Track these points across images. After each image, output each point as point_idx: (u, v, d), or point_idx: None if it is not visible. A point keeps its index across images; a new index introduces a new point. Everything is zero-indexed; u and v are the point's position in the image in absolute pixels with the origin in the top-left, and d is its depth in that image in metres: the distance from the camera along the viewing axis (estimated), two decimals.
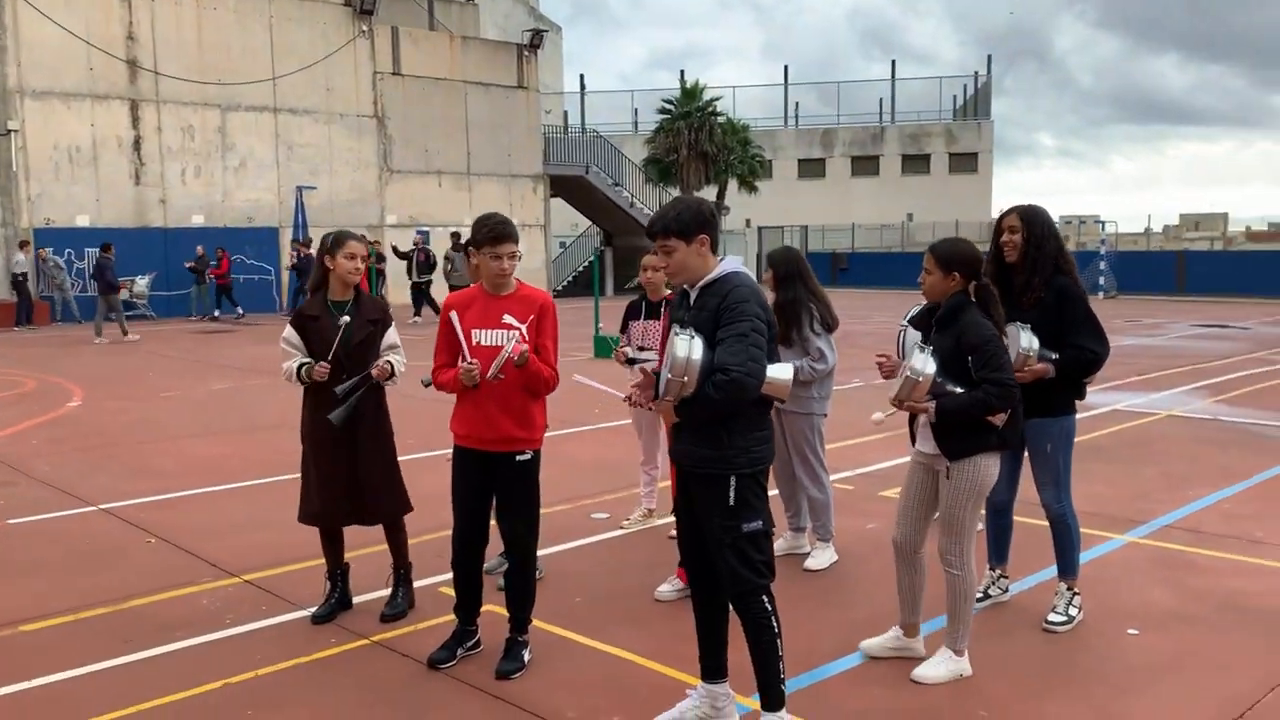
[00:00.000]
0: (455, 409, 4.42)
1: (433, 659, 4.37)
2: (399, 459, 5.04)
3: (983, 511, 4.97)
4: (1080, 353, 4.52)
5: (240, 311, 24.05)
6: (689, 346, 3.36)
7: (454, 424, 4.42)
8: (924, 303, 4.35)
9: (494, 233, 4.27)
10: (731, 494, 3.47)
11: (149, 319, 23.90)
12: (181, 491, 7.52)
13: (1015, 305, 4.55)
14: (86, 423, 10.48)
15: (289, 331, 4.86)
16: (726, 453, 3.47)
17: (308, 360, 4.77)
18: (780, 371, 3.49)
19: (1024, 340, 4.42)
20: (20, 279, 22.16)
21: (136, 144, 24.26)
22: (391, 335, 4.88)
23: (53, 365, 15.39)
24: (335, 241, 4.80)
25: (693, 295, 3.60)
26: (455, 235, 23.76)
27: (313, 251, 23.53)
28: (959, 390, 4.04)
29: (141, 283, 23.72)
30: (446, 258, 23.20)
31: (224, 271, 24.03)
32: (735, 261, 3.60)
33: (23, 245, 22.41)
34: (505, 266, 4.29)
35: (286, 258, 24.49)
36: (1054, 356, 4.49)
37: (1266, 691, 4.07)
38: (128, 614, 5.06)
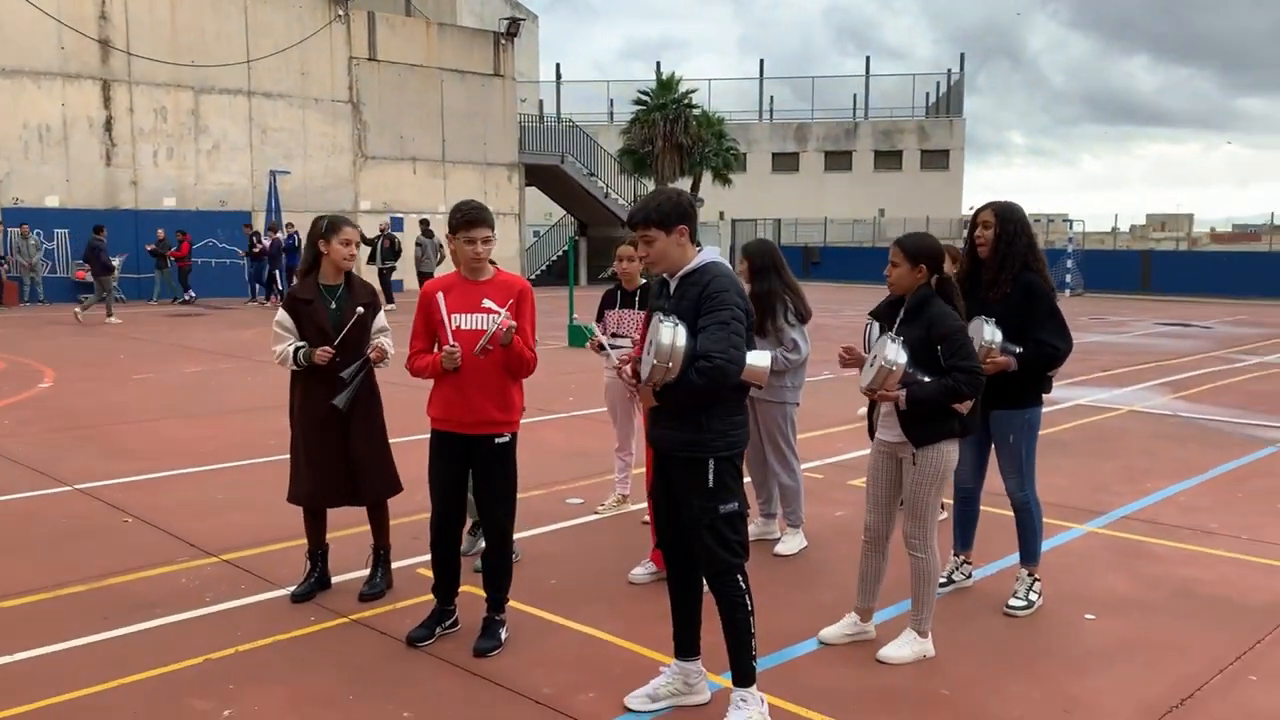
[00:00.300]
0: (433, 393, 4.49)
1: (411, 637, 4.47)
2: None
3: (949, 500, 5.14)
4: (1042, 347, 4.66)
5: (191, 295, 23.85)
6: (673, 333, 3.47)
7: (431, 408, 4.50)
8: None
9: (467, 217, 4.36)
10: (710, 476, 3.59)
11: (118, 301, 23.71)
12: (157, 473, 7.55)
13: (982, 299, 4.69)
14: (59, 404, 10.46)
15: (282, 314, 4.93)
16: (705, 436, 3.59)
17: (303, 344, 4.83)
18: (758, 359, 3.61)
19: (987, 333, 4.56)
20: None
21: (108, 124, 24.04)
22: (381, 319, 4.96)
23: (22, 346, 15.28)
24: (330, 226, 4.86)
25: (672, 284, 3.71)
26: (424, 223, 23.71)
27: (281, 236, 23.55)
28: (928, 379, 4.17)
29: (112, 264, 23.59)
30: (418, 244, 23.19)
31: (184, 254, 23.83)
32: (713, 252, 3.72)
33: None
34: (479, 251, 4.37)
35: (254, 242, 24.30)
36: (1017, 350, 4.63)
37: (1215, 673, 4.24)
38: (107, 591, 5.12)
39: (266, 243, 23.88)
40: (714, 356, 3.47)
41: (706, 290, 3.57)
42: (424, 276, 21.21)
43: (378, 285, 22.58)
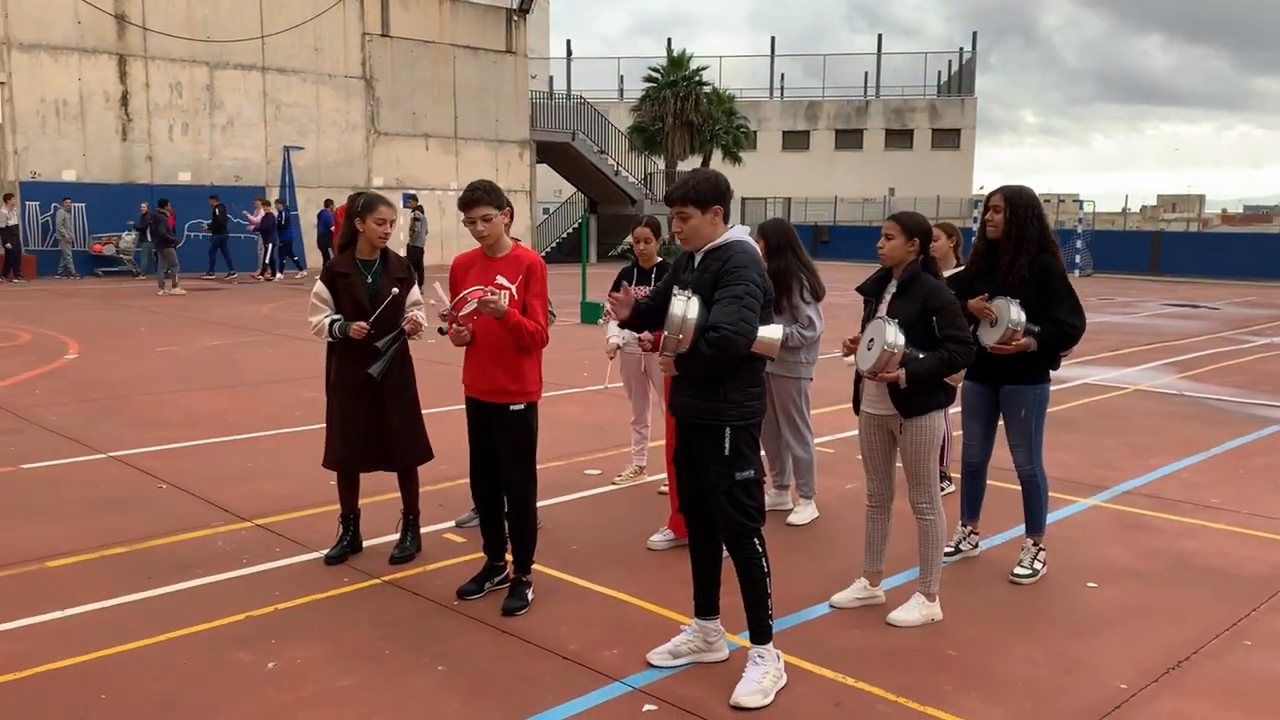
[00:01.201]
0: (464, 361, 4.77)
1: (461, 590, 4.76)
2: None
3: (955, 475, 5.32)
4: (1059, 326, 4.84)
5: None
6: (685, 306, 3.68)
7: (463, 375, 4.78)
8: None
9: (465, 198, 4.60)
10: (727, 444, 3.79)
11: (134, 275, 24.00)
12: (186, 442, 7.78)
13: (1001, 281, 4.87)
14: (86, 375, 10.69)
15: (319, 287, 5.12)
16: (722, 405, 3.79)
17: (338, 317, 5.02)
18: (770, 331, 3.80)
19: (1013, 314, 4.74)
20: (9, 230, 22.17)
21: (124, 99, 24.21)
22: (415, 293, 5.13)
23: (45, 318, 15.53)
24: (366, 205, 5.05)
25: (697, 259, 3.90)
26: (413, 198, 23.46)
27: (274, 210, 23.69)
28: (923, 355, 4.37)
29: (127, 239, 23.87)
30: (416, 218, 22.89)
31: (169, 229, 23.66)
32: (742, 231, 3.91)
33: (7, 198, 22.37)
34: (480, 230, 4.58)
35: (254, 217, 24.40)
36: (1035, 329, 4.81)
37: (1210, 639, 4.43)
38: (147, 553, 5.34)
39: (257, 217, 23.75)
40: (722, 328, 3.66)
41: (726, 265, 3.76)
42: (415, 251, 21.19)
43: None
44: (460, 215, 4.68)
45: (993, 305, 4.84)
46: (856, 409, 4.75)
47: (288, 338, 13.94)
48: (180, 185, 24.88)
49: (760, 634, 3.91)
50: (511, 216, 4.74)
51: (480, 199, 4.55)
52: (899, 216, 4.57)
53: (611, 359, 6.59)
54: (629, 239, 6.49)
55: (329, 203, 23.85)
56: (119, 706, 3.73)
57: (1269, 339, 15.88)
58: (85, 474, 6.86)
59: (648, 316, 4.09)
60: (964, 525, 5.43)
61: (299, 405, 9.18)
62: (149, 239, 23.49)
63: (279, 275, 24.15)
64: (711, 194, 3.83)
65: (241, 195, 25.51)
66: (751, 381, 3.85)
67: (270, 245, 23.89)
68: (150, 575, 5.00)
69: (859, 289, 4.73)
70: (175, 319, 16.01)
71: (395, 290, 5.04)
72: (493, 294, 4.41)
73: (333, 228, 22.40)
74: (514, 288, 4.56)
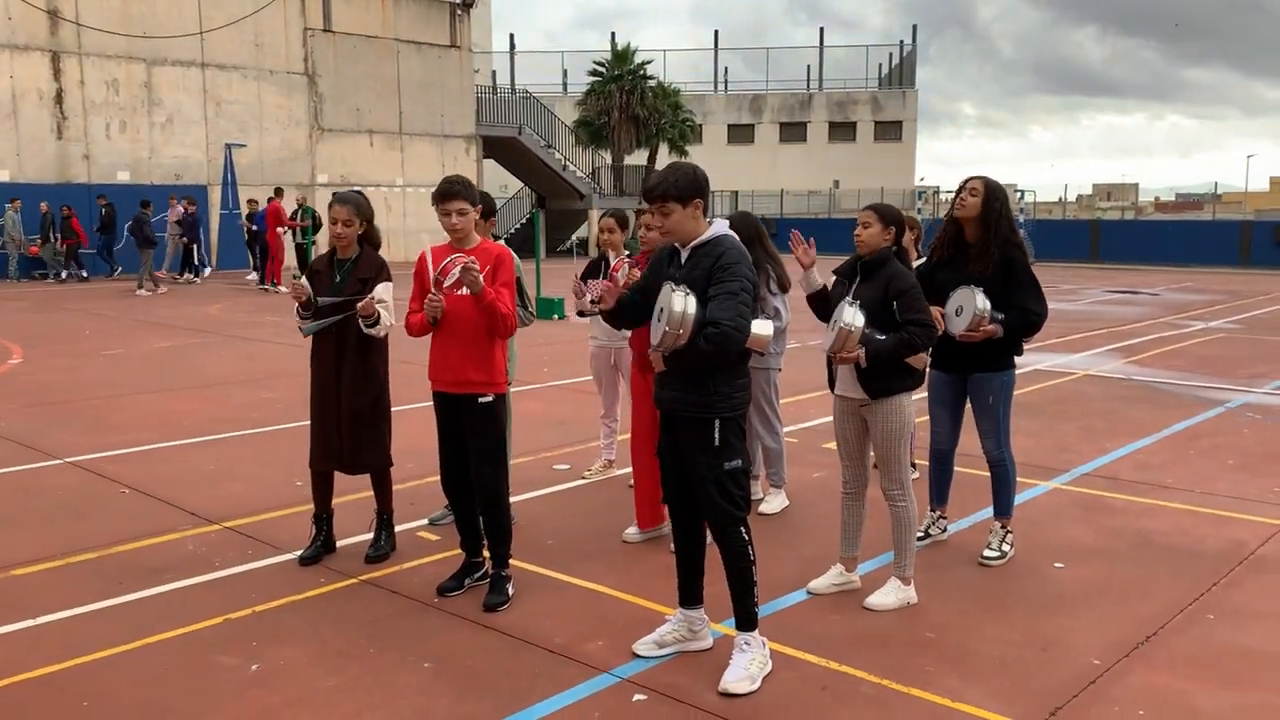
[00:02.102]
0: (429, 355, 4.74)
1: (441, 587, 4.74)
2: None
3: (921, 461, 5.41)
4: (1025, 314, 4.95)
5: (75, 274, 23.05)
6: (684, 302, 3.69)
7: (429, 370, 4.76)
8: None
9: (440, 191, 4.62)
10: (716, 435, 3.83)
11: (82, 278, 23.46)
12: (144, 446, 7.65)
13: (967, 269, 4.96)
14: (33, 380, 10.46)
15: (304, 281, 5.11)
16: (711, 398, 3.82)
17: (298, 275, 5.05)
18: (761, 327, 3.85)
19: (979, 302, 4.83)
20: None
21: (58, 97, 23.66)
22: (380, 291, 5.06)
23: None
24: (330, 204, 5.07)
25: (683, 255, 3.93)
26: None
27: (180, 208, 23.12)
28: (883, 337, 4.45)
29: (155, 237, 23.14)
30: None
31: (74, 232, 22.87)
32: (723, 225, 3.94)
33: None
34: (454, 222, 4.60)
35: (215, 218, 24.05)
36: (1000, 317, 4.92)
37: (1175, 614, 4.57)
38: (115, 558, 5.26)
39: (172, 216, 23.07)
40: (722, 323, 3.70)
41: (719, 262, 3.78)
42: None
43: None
44: (409, 210, 4.66)
45: (957, 293, 4.94)
46: (832, 385, 4.82)
47: (238, 339, 13.75)
48: (119, 184, 24.35)
49: (746, 621, 3.96)
50: (485, 217, 4.76)
51: (458, 192, 4.57)
52: (875, 206, 4.70)
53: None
54: (575, 236, 6.52)
55: (252, 202, 23.15)
56: (101, 713, 3.67)
57: (1207, 323, 16.32)
58: (44, 480, 6.72)
59: (630, 312, 4.11)
60: (933, 510, 5.53)
61: (255, 407, 9.08)
62: (50, 239, 22.78)
63: (183, 277, 23.24)
64: (692, 188, 3.86)
65: (183, 193, 25.05)
66: (739, 374, 3.89)
67: (194, 245, 23.18)
68: (121, 581, 4.92)
69: (835, 271, 4.81)
70: (121, 321, 15.69)
71: (362, 283, 5.01)
72: (469, 261, 4.42)
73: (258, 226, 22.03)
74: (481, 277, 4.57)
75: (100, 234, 23.28)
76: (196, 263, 23.42)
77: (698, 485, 3.91)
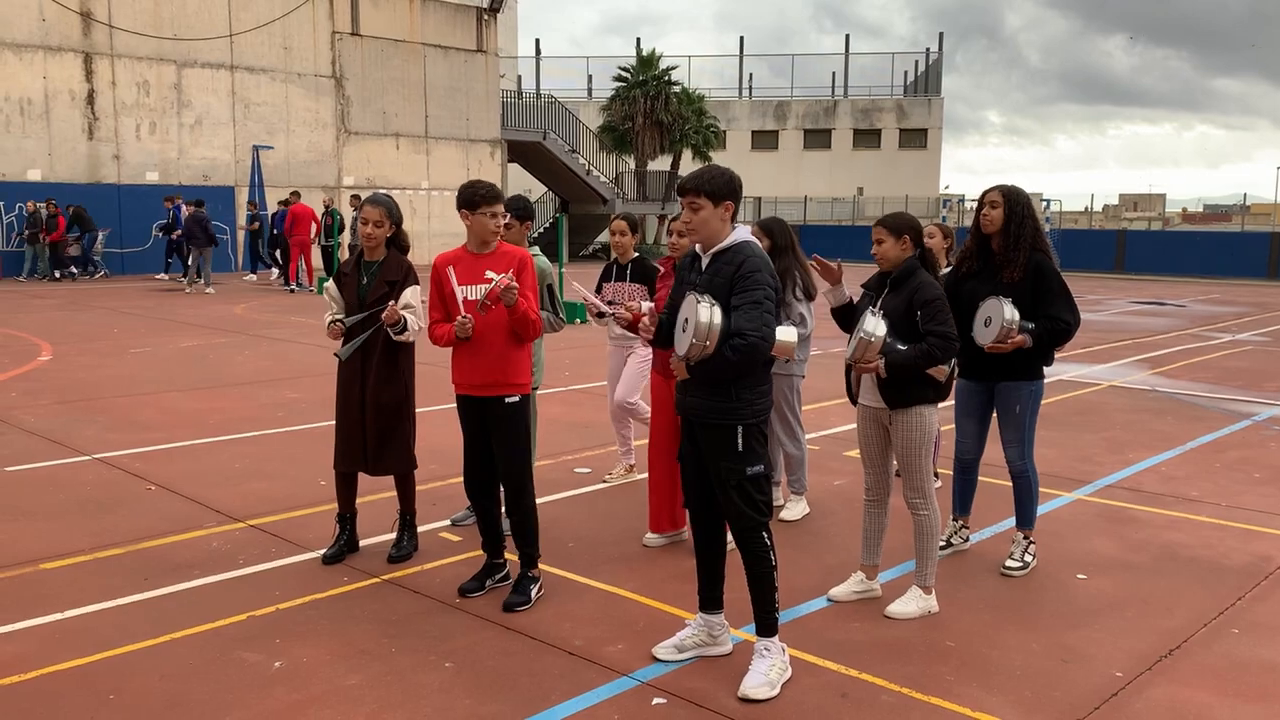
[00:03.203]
0: (452, 360, 4.78)
1: (463, 588, 4.78)
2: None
3: (944, 471, 5.40)
4: (1055, 323, 4.93)
5: (70, 273, 22.96)
6: (710, 313, 3.70)
7: (452, 375, 4.79)
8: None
9: (491, 193, 4.64)
10: (739, 441, 3.84)
11: (103, 275, 23.72)
12: (170, 444, 7.73)
13: (996, 279, 4.95)
14: (62, 377, 10.57)
15: (331, 284, 5.19)
16: (735, 405, 3.84)
17: (340, 316, 5.08)
18: (786, 333, 3.86)
19: (1008, 312, 4.81)
20: None
21: (90, 98, 23.92)
22: (407, 295, 5.10)
23: (12, 320, 15.33)
24: (359, 207, 5.14)
25: (705, 260, 3.94)
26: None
27: (261, 211, 23.36)
28: (903, 348, 4.44)
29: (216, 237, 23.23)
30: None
31: (58, 236, 22.62)
32: (746, 231, 3.95)
33: None
34: (501, 224, 4.68)
35: (242, 218, 24.23)
36: (1030, 327, 4.90)
37: (1198, 628, 4.54)
38: (142, 554, 5.32)
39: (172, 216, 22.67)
40: (748, 334, 3.71)
41: (741, 270, 3.79)
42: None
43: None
44: (463, 211, 4.68)
45: (986, 304, 4.92)
46: (852, 399, 4.81)
47: (264, 338, 13.86)
48: (148, 185, 24.60)
49: (766, 627, 3.97)
50: (522, 220, 4.82)
51: (502, 195, 4.69)
52: (884, 220, 4.66)
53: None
54: (598, 240, 6.58)
55: (283, 202, 23.21)
56: (128, 706, 3.72)
57: (1235, 335, 16.18)
58: (72, 476, 6.80)
59: (668, 332, 4.08)
60: (955, 520, 5.51)
61: (280, 406, 9.15)
62: (40, 240, 22.58)
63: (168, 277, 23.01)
64: (725, 189, 3.87)
65: (210, 195, 25.26)
66: (762, 380, 3.90)
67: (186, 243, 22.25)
68: (147, 577, 4.98)
69: (864, 285, 4.80)
70: (147, 320, 15.85)
71: (388, 286, 5.06)
72: (508, 280, 4.44)
73: (277, 228, 22.12)
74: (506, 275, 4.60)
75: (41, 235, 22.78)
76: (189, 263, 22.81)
77: (720, 490, 3.92)
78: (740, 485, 3.87)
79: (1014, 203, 4.97)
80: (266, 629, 4.41)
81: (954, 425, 5.40)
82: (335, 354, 5.11)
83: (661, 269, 6.08)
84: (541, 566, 5.01)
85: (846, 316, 4.76)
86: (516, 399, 4.68)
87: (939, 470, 6.85)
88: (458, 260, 4.72)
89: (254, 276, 23.56)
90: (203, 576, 5.00)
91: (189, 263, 21.08)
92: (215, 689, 3.85)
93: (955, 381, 5.27)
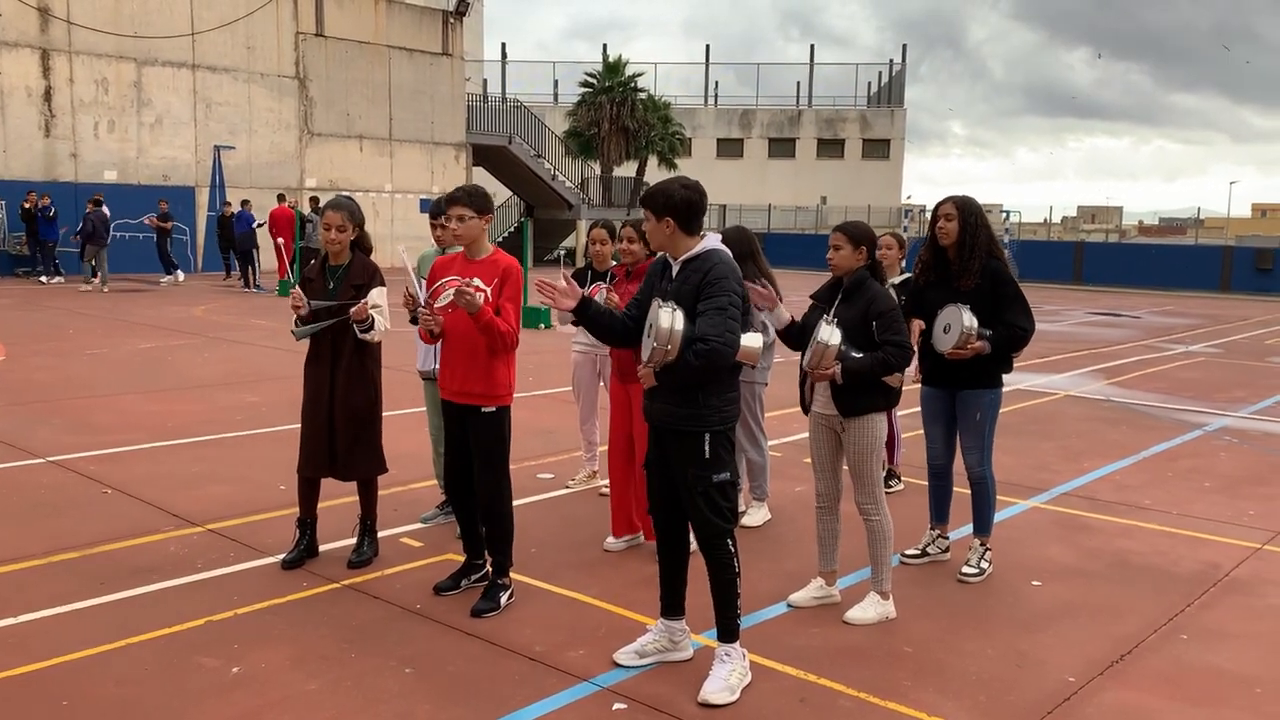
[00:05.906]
0: (439, 365, 4.85)
1: (438, 586, 4.83)
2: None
3: (917, 482, 5.45)
4: (1012, 330, 5.02)
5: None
6: (671, 318, 3.73)
7: (438, 379, 4.86)
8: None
9: (446, 197, 4.70)
10: (706, 448, 3.87)
11: (60, 275, 23.32)
12: (126, 446, 7.64)
13: (953, 287, 5.03)
14: (16, 379, 10.41)
15: (297, 290, 5.13)
16: (702, 412, 3.86)
17: (303, 300, 5.07)
18: (751, 340, 3.90)
19: (966, 319, 4.89)
20: None
21: (47, 95, 23.54)
22: (374, 296, 5.06)
23: None
24: (320, 211, 5.10)
25: (674, 268, 3.97)
26: (314, 200, 22.65)
27: (232, 211, 23.14)
28: (859, 355, 4.51)
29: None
30: (307, 219, 21.20)
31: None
32: (715, 239, 3.98)
33: None
34: (452, 227, 4.69)
35: (202, 219, 23.94)
36: (988, 334, 4.98)
37: (1149, 634, 4.63)
38: (98, 558, 5.25)
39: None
40: (711, 340, 3.74)
41: (707, 277, 3.82)
42: (310, 252, 19.85)
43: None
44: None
45: (945, 311, 5.00)
46: (805, 409, 4.87)
47: (223, 341, 13.72)
48: (107, 184, 24.23)
49: (728, 633, 4.00)
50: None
51: (459, 197, 4.65)
52: (844, 227, 4.73)
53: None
54: (563, 246, 6.59)
55: (245, 203, 22.87)
56: (82, 712, 3.67)
57: (1188, 346, 16.48)
58: (26, 478, 6.70)
59: (630, 333, 4.11)
60: (932, 529, 5.55)
61: (239, 409, 9.07)
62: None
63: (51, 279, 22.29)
64: (665, 206, 3.88)
65: (171, 195, 24.92)
66: (730, 387, 3.93)
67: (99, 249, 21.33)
68: (103, 581, 4.92)
69: (813, 295, 4.86)
70: (103, 321, 15.63)
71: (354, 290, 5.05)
72: (472, 291, 4.44)
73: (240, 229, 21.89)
74: (489, 290, 4.60)
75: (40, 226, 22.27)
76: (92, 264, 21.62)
77: (686, 497, 3.95)
78: (706, 492, 3.90)
79: (968, 213, 5.06)
80: (224, 634, 4.37)
81: (923, 433, 5.47)
82: (292, 331, 5.08)
83: (616, 276, 6.10)
84: None
85: (793, 336, 4.78)
86: (493, 410, 4.69)
87: (902, 476, 6.94)
88: (452, 262, 4.79)
89: (168, 280, 22.92)
90: (160, 581, 4.95)
91: (84, 260, 20.69)
92: (172, 694, 3.82)
93: (922, 389, 5.35)
